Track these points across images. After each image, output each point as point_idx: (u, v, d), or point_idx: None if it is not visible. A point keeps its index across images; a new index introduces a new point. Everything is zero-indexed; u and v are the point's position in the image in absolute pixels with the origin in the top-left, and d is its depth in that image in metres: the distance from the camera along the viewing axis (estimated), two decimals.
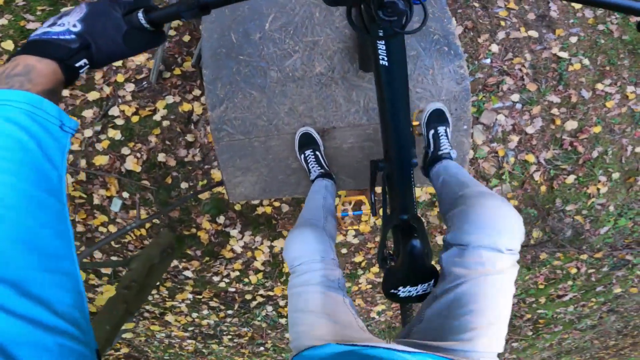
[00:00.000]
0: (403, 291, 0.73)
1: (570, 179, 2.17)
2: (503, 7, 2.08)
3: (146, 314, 2.59)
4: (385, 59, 0.58)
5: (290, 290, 0.74)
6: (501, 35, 2.07)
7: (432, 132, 1.14)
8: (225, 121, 1.46)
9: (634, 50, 2.12)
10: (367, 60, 1.28)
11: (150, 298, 2.26)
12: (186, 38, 2.00)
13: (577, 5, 2.09)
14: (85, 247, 2.14)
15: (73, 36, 0.40)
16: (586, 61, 2.10)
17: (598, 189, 2.21)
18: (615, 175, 2.19)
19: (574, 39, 2.09)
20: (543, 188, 2.20)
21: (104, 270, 2.29)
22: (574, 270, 2.50)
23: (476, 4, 2.07)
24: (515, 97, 2.09)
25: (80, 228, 2.14)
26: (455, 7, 2.08)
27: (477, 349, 0.53)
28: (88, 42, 0.41)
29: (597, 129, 2.11)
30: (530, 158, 2.12)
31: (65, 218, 0.31)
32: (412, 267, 0.72)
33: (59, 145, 0.34)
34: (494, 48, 2.07)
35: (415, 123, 1.21)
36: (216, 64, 1.48)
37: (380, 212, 1.03)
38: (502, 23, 2.08)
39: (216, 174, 2.05)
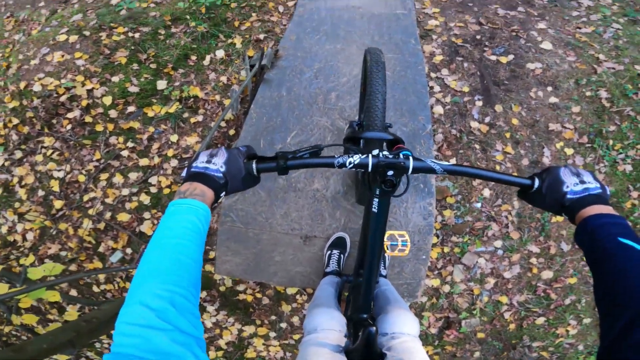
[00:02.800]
0: None
1: (540, 320, 2.14)
2: (500, 150, 2.21)
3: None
4: (376, 208, 0.84)
5: (305, 347, 0.91)
6: None
7: None
8: (233, 210, 1.72)
9: (618, 204, 2.19)
10: (363, 200, 1.52)
11: (98, 345, 2.22)
12: (231, 132, 2.32)
13: (569, 151, 2.24)
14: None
15: (221, 175, 0.62)
16: None
17: (567, 331, 2.15)
18: (587, 320, 2.15)
19: None
20: (512, 326, 2.16)
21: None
22: None
23: (477, 146, 2.22)
24: (498, 243, 2.16)
25: (73, 267, 2.28)
26: (457, 147, 2.22)
27: None
28: (227, 180, 0.63)
29: (573, 280, 2.14)
30: (504, 299, 2.15)
31: (200, 260, 0.55)
32: (367, 348, 0.88)
33: (205, 227, 0.58)
34: (486, 192, 2.17)
35: (386, 243, 1.42)
36: None
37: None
38: (498, 167, 2.24)
39: (211, 254, 2.18)
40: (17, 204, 2.36)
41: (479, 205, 2.20)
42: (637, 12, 2.86)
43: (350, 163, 0.70)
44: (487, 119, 2.25)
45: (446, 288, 2.16)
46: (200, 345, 0.43)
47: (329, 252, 1.56)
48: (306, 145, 1.90)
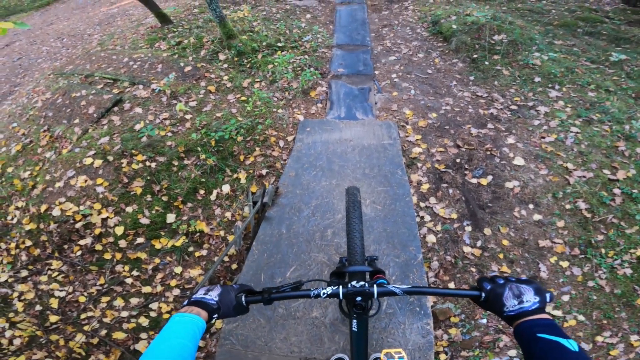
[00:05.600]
0: None
1: None
2: (496, 271, 2.27)
3: None
4: (355, 328, 0.98)
5: None
6: None
7: None
8: (233, 334, 1.80)
9: (629, 303, 2.15)
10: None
11: None
12: (234, 266, 2.40)
13: (564, 264, 2.29)
14: None
15: (214, 302, 0.81)
16: (581, 317, 2.13)
17: None
18: None
19: (566, 297, 2.18)
20: None
21: None
22: None
23: (473, 269, 2.28)
24: (512, 352, 2.08)
25: None
26: (454, 272, 2.28)
27: None
28: (220, 307, 0.81)
29: None
30: None
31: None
32: None
33: (199, 336, 0.74)
34: None
35: None
36: None
37: None
38: None
39: None
40: (11, 314, 2.36)
41: (484, 321, 2.20)
42: (588, 110, 3.18)
43: (324, 293, 0.85)
44: (478, 243, 2.37)
45: None
46: None
47: None
48: (304, 279, 2.02)
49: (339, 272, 0.99)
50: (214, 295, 0.83)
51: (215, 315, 0.82)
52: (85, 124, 3.30)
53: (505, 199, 2.54)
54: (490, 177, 2.66)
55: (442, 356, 2.13)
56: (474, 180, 2.65)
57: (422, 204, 2.52)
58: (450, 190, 2.60)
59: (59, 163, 2.96)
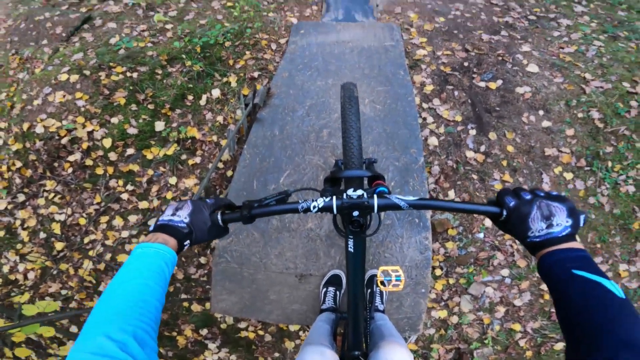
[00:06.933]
0: None
1: (559, 345, 2.05)
2: (498, 179, 2.19)
3: None
4: (352, 248, 0.88)
5: None
6: None
7: (369, 291, 1.48)
8: (227, 251, 1.72)
9: (625, 226, 2.13)
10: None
11: None
12: (229, 173, 2.31)
13: (568, 176, 2.20)
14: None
15: (184, 225, 0.66)
16: (576, 238, 2.21)
17: None
18: None
19: None
20: (529, 353, 2.07)
21: None
22: None
23: (474, 177, 2.20)
24: (505, 272, 2.12)
25: (73, 304, 2.28)
26: (455, 178, 2.20)
27: None
28: (191, 230, 0.66)
29: None
30: (517, 327, 2.08)
31: (163, 301, 0.58)
32: None
33: (170, 270, 0.62)
34: (488, 222, 2.11)
35: (379, 278, 1.46)
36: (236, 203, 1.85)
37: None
38: None
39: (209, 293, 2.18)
40: (19, 246, 2.38)
41: (481, 235, 2.16)
42: (615, 28, 2.91)
43: (314, 207, 0.70)
44: (482, 148, 2.25)
45: (454, 319, 2.10)
46: None
47: (325, 289, 1.56)
48: (299, 185, 1.93)
49: (333, 177, 0.83)
50: (183, 216, 0.67)
51: (187, 242, 0.66)
52: (55, 43, 3.11)
53: (514, 104, 2.37)
54: (500, 82, 2.45)
55: (438, 271, 2.13)
56: (482, 84, 2.44)
57: (425, 105, 2.35)
58: (456, 93, 2.40)
59: (34, 82, 2.81)
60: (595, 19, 3.00)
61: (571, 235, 0.57)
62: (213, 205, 0.71)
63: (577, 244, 0.56)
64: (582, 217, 0.59)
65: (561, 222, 0.58)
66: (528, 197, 0.61)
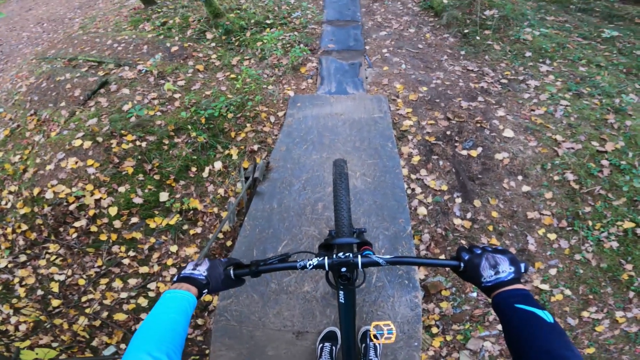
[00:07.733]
0: None
1: None
2: (486, 243, 2.28)
3: None
4: (343, 299, 1.02)
5: None
6: None
7: (363, 345, 1.59)
8: (227, 310, 1.82)
9: (615, 278, 2.20)
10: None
11: None
12: (228, 243, 2.43)
13: (552, 236, 2.32)
14: None
15: (203, 277, 0.82)
16: (568, 291, 2.17)
17: None
18: None
19: (553, 271, 2.23)
20: None
21: None
22: None
23: (463, 242, 2.31)
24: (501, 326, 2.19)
25: (63, 357, 2.22)
26: (444, 244, 2.31)
27: None
28: (209, 282, 0.82)
29: (591, 350, 2.06)
30: None
31: (186, 333, 0.72)
32: None
33: (191, 311, 0.76)
34: None
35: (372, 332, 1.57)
36: None
37: None
38: None
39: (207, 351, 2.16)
40: (14, 300, 2.39)
41: (474, 294, 2.24)
42: (578, 85, 3.19)
43: (310, 265, 0.86)
44: (468, 215, 2.40)
45: None
46: None
47: (321, 345, 1.63)
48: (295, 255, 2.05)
49: (326, 244, 0.99)
50: (202, 270, 0.84)
51: (205, 290, 0.83)
52: (72, 106, 3.26)
53: (495, 170, 2.56)
54: (480, 149, 2.67)
55: (434, 329, 2.18)
56: (464, 152, 2.65)
57: (413, 176, 2.53)
58: (441, 162, 2.60)
59: (48, 146, 2.93)
60: (560, 77, 3.27)
61: (515, 280, 0.72)
62: (226, 262, 0.88)
63: (520, 285, 0.71)
64: (522, 265, 0.74)
65: (505, 269, 0.73)
66: (478, 251, 0.78)
